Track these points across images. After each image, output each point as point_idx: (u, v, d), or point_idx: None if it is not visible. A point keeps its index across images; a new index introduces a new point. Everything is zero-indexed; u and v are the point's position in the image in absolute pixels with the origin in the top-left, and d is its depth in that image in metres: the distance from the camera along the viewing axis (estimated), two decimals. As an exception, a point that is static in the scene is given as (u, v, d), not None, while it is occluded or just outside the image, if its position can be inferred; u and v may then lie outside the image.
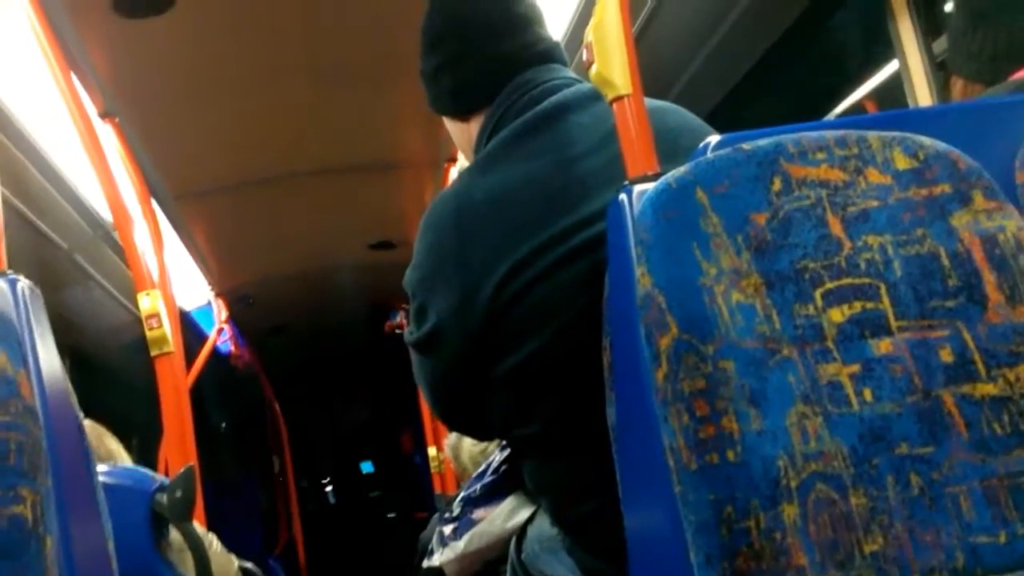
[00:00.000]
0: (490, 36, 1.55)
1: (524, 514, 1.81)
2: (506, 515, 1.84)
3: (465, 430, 1.83)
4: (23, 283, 1.17)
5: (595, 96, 1.49)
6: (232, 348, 5.63)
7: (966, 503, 1.03)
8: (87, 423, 2.43)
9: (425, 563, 2.10)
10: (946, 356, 1.06)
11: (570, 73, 1.58)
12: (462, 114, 1.61)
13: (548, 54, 1.58)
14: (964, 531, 1.02)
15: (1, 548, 0.92)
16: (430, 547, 2.09)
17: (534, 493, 1.64)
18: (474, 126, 1.59)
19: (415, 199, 4.14)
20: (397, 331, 5.94)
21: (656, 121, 1.45)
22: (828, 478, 1.01)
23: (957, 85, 1.83)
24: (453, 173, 3.72)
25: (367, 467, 10.11)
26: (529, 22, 1.58)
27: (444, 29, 1.60)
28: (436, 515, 3.95)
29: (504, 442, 1.94)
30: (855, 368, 1.05)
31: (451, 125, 1.66)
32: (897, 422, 1.04)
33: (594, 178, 1.37)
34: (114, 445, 2.38)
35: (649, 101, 1.52)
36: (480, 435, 1.66)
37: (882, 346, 1.06)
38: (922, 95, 2.15)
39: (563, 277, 1.36)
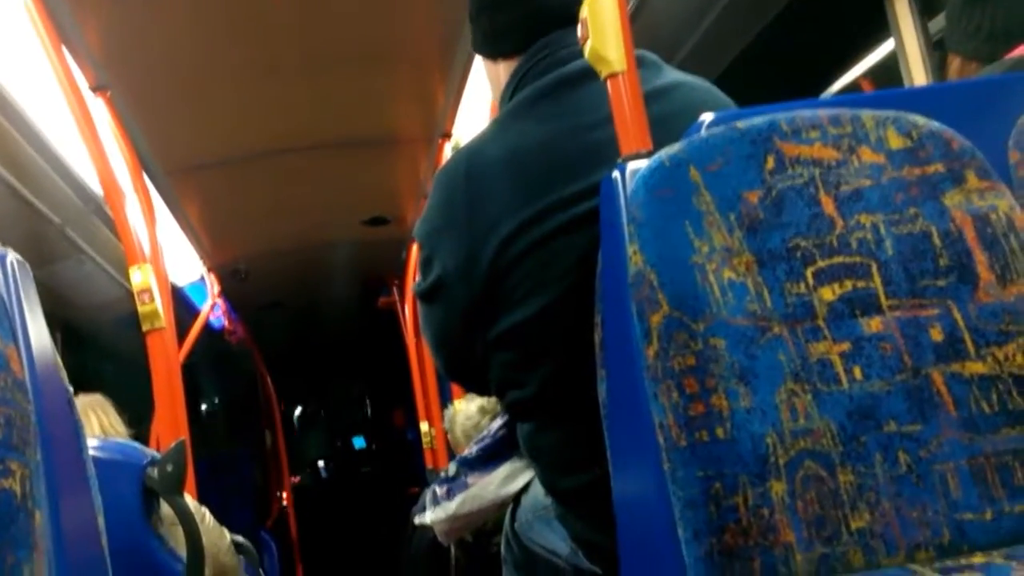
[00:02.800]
0: None
1: (519, 482, 1.82)
2: (500, 482, 1.85)
3: (466, 384, 1.81)
4: (12, 257, 1.16)
5: None
6: (225, 323, 5.62)
7: (953, 481, 1.03)
8: (97, 397, 2.44)
9: (416, 519, 2.10)
10: (936, 335, 1.07)
11: None
12: (493, 58, 1.63)
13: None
14: (950, 508, 1.03)
15: (-10, 521, 0.93)
16: (420, 503, 2.09)
17: (528, 459, 1.64)
18: (504, 71, 1.60)
19: (409, 175, 4.13)
20: (390, 307, 5.95)
21: (681, 97, 1.46)
22: (816, 455, 1.02)
23: (954, 63, 1.83)
24: (447, 149, 3.71)
25: (359, 442, 10.14)
26: None
27: None
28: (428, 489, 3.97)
29: (501, 413, 1.95)
30: (845, 346, 1.06)
31: (486, 65, 1.68)
32: (886, 400, 1.05)
33: (607, 147, 1.36)
34: (116, 418, 2.38)
35: (677, 75, 1.52)
36: (481, 390, 1.67)
37: (872, 324, 1.07)
38: (918, 74, 2.15)
39: (565, 243, 1.36)
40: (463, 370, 1.62)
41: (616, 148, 1.25)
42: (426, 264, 1.50)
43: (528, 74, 1.52)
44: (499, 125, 1.51)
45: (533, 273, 1.38)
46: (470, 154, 1.48)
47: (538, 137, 1.43)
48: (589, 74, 1.35)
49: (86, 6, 2.43)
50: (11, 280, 1.13)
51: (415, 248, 4.78)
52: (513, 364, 1.46)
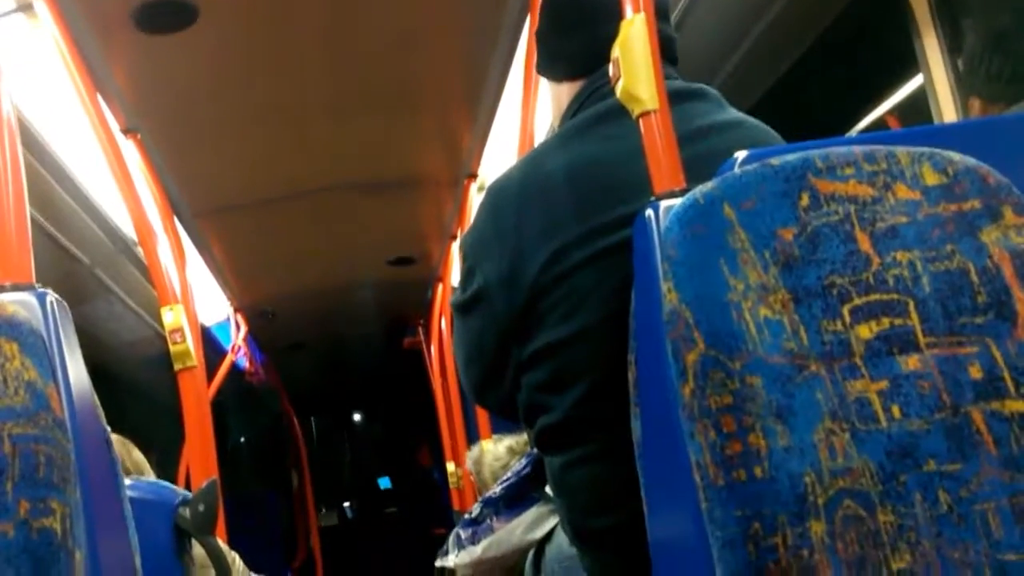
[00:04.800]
0: (600, 14, 1.55)
1: (544, 528, 1.81)
2: (526, 526, 1.84)
3: (493, 408, 1.78)
4: (52, 297, 1.18)
5: (686, 95, 1.50)
6: (247, 365, 5.64)
7: (995, 520, 1.02)
8: (113, 436, 2.45)
9: (438, 563, 2.09)
10: (975, 373, 1.06)
11: (672, 71, 1.56)
12: (557, 80, 1.64)
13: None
14: (992, 548, 1.01)
15: (31, 561, 0.93)
16: (444, 547, 2.08)
17: (555, 496, 1.61)
18: (567, 92, 1.60)
19: (434, 216, 4.16)
20: (416, 347, 5.97)
21: (743, 134, 1.47)
22: (856, 495, 1.01)
23: (975, 106, 1.82)
24: (473, 190, 3.73)
25: (384, 483, 10.10)
26: None
27: None
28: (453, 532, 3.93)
29: (528, 453, 1.94)
30: (883, 384, 1.05)
31: (550, 86, 1.69)
32: (925, 439, 1.03)
33: None
34: (140, 457, 2.39)
35: (739, 114, 1.53)
36: (510, 414, 1.65)
37: (910, 362, 1.06)
38: (947, 110, 2.14)
39: (614, 263, 1.34)
40: (492, 391, 1.59)
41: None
42: (468, 276, 1.50)
43: (592, 95, 1.53)
44: (558, 141, 1.51)
45: (578, 291, 1.37)
46: (525, 167, 1.50)
47: (597, 156, 1.43)
48: None
49: (118, 50, 2.47)
50: (51, 320, 1.14)
51: (440, 288, 4.82)
52: (544, 385, 1.45)
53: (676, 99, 1.45)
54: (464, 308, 1.51)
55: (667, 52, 1.57)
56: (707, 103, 1.51)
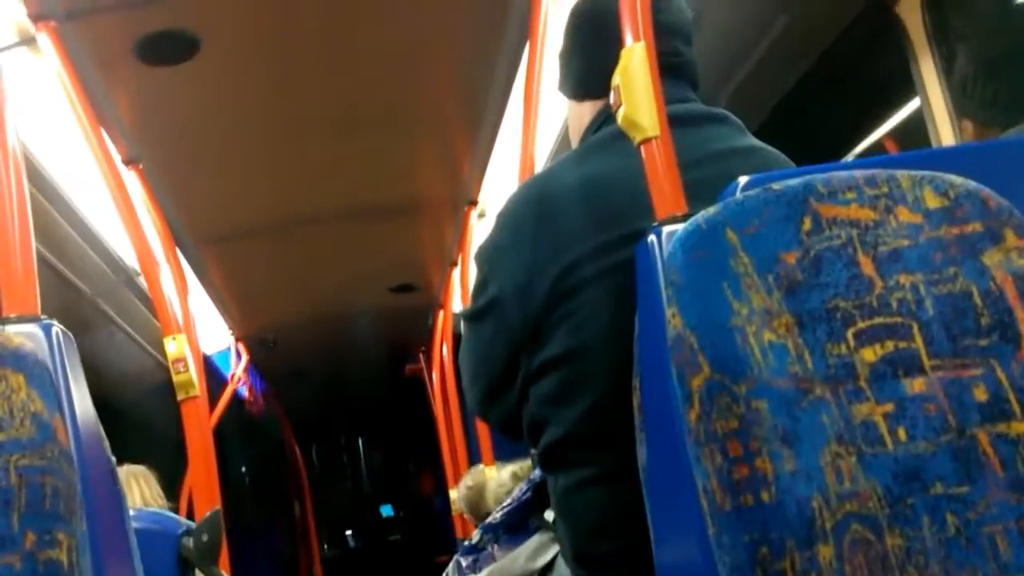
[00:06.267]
0: (621, 33, 1.55)
1: (546, 557, 1.80)
2: (528, 555, 1.83)
3: (498, 421, 1.75)
4: (57, 328, 1.18)
5: (705, 118, 1.51)
6: (247, 394, 5.63)
7: (1002, 543, 1.02)
8: (141, 468, 2.46)
9: None
10: (980, 395, 1.06)
11: (692, 95, 1.57)
12: (580, 99, 1.65)
13: (676, 68, 1.55)
14: (1001, 571, 1.01)
15: (38, 593, 0.93)
16: (445, 574, 2.07)
17: (558, 519, 1.60)
18: (588, 111, 1.61)
19: (435, 242, 4.16)
20: (417, 375, 5.97)
21: (760, 160, 1.47)
22: (863, 518, 1.00)
23: (968, 129, 1.83)
24: (473, 216, 3.74)
25: (387, 511, 10.08)
26: (670, 32, 1.55)
27: (584, 16, 1.64)
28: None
29: (529, 479, 1.93)
30: (888, 407, 1.05)
31: (570, 105, 1.69)
32: (932, 461, 1.03)
33: (687, 189, 1.35)
34: (158, 488, 2.39)
35: (757, 142, 1.54)
36: (512, 432, 1.63)
37: (915, 385, 1.06)
38: (945, 133, 2.15)
39: (619, 280, 1.34)
40: (497, 404, 1.58)
41: (688, 194, 1.25)
42: (481, 286, 1.50)
43: (612, 115, 1.53)
44: (579, 155, 1.53)
45: (589, 303, 1.38)
46: (545, 179, 1.51)
47: (614, 172, 1.43)
48: (675, 121, 1.35)
49: (120, 81, 2.48)
50: (56, 351, 1.14)
51: (441, 315, 4.81)
52: (550, 397, 1.44)
53: (694, 122, 1.47)
54: (476, 316, 1.52)
55: (688, 75, 1.59)
56: (726, 128, 1.52)
